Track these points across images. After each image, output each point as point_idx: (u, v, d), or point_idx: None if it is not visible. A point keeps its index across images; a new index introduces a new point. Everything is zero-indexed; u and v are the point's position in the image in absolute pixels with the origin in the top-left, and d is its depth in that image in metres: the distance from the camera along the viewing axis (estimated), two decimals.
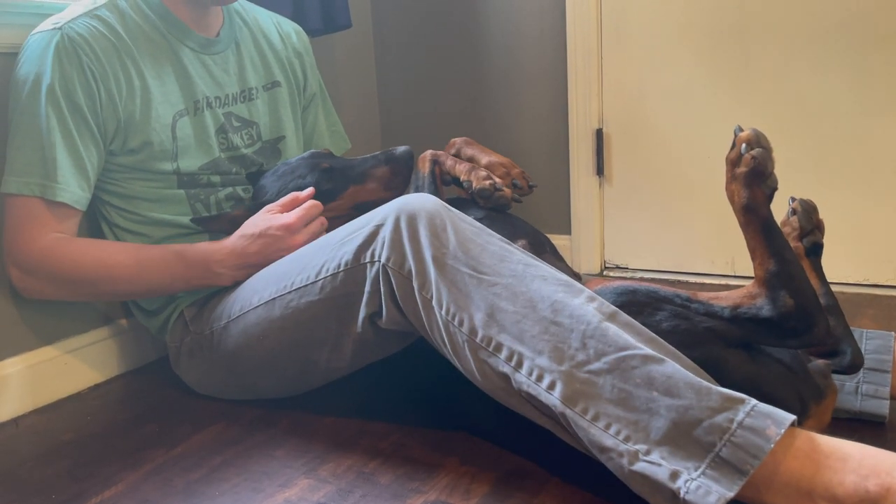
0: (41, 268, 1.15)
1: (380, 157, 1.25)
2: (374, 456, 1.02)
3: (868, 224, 1.64)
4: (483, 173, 1.18)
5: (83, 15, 1.17)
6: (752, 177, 0.85)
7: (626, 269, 1.92)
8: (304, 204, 1.16)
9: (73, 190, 1.14)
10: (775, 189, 0.87)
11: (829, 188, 1.66)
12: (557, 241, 1.94)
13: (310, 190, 1.20)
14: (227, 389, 1.21)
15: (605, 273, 1.93)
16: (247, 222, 1.18)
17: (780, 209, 1.17)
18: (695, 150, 1.79)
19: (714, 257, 1.81)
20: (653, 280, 1.85)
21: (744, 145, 0.86)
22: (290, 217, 1.14)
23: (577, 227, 1.94)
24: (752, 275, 0.89)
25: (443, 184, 1.24)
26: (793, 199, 1.05)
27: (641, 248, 1.90)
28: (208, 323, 1.18)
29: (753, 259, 0.88)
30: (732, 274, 1.79)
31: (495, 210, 1.17)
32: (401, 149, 1.24)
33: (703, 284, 1.79)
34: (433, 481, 0.94)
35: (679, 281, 1.82)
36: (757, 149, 0.85)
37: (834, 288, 1.20)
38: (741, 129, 0.87)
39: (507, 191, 1.16)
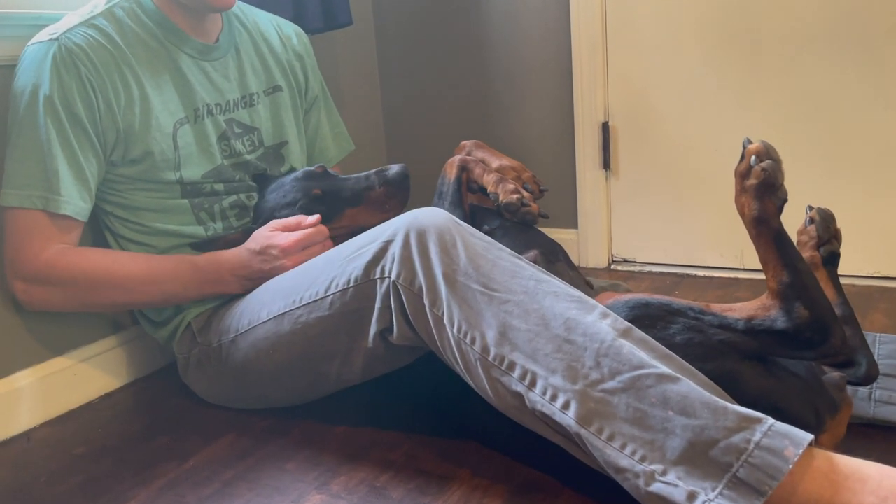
0: (48, 279, 1.15)
1: (373, 180, 1.22)
2: (386, 468, 1.01)
3: (880, 217, 1.62)
4: (511, 186, 1.15)
5: (80, 25, 1.15)
6: (762, 189, 0.84)
7: (634, 262, 1.91)
8: (307, 229, 1.16)
9: (76, 202, 1.14)
10: (785, 201, 0.86)
11: (839, 180, 1.64)
12: (564, 235, 1.94)
13: (316, 217, 1.19)
14: (236, 399, 1.21)
15: (612, 267, 1.92)
16: (254, 234, 1.19)
17: (796, 215, 1.15)
18: (702, 142, 1.76)
19: (723, 250, 1.79)
20: (661, 274, 1.84)
21: (753, 157, 0.85)
22: (288, 240, 1.15)
23: (583, 222, 1.92)
24: (761, 267, 0.89)
25: (469, 191, 1.22)
26: (810, 208, 1.04)
27: (649, 241, 1.88)
28: (216, 335, 1.18)
29: (766, 271, 0.87)
30: (741, 267, 1.77)
31: (521, 224, 1.15)
32: (395, 169, 1.21)
33: (711, 278, 1.77)
34: (445, 495, 0.94)
35: (687, 275, 1.81)
36: (767, 161, 0.84)
37: (845, 281, 1.19)
38: (750, 142, 0.86)
39: (535, 206, 1.14)
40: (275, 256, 1.15)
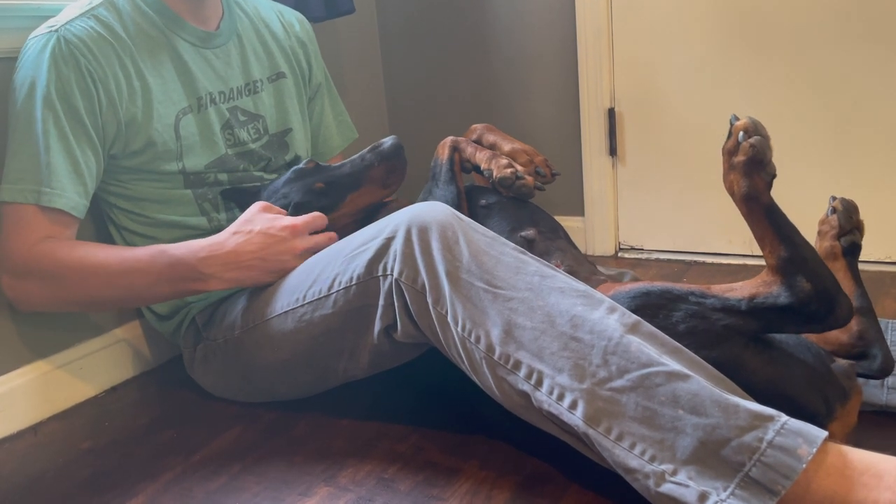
0: (30, 271, 1.09)
1: (369, 158, 1.19)
2: (394, 460, 1.01)
3: (891, 201, 1.60)
4: (504, 161, 1.14)
5: (80, 16, 1.13)
6: (750, 165, 0.82)
7: (642, 250, 1.89)
8: (309, 214, 1.13)
9: (70, 196, 1.10)
10: (774, 176, 0.84)
11: (849, 166, 1.62)
12: (571, 222, 1.92)
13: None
14: (242, 393, 1.21)
15: (619, 255, 1.90)
16: (241, 219, 1.11)
17: (816, 205, 1.13)
18: (710, 127, 1.74)
19: (731, 236, 1.77)
20: (668, 261, 1.82)
21: (741, 133, 0.83)
22: (297, 219, 1.10)
23: (590, 209, 1.91)
24: (758, 246, 0.86)
25: (462, 171, 1.20)
26: (833, 198, 1.02)
27: (657, 228, 1.86)
28: (220, 331, 1.17)
29: (763, 248, 0.85)
30: (750, 253, 1.76)
31: (517, 198, 1.13)
32: (388, 143, 1.19)
33: (720, 265, 1.76)
34: (453, 488, 0.94)
35: (696, 261, 1.80)
36: (755, 137, 0.82)
37: None
38: (737, 118, 0.85)
39: (530, 179, 1.13)
40: (282, 238, 1.07)
